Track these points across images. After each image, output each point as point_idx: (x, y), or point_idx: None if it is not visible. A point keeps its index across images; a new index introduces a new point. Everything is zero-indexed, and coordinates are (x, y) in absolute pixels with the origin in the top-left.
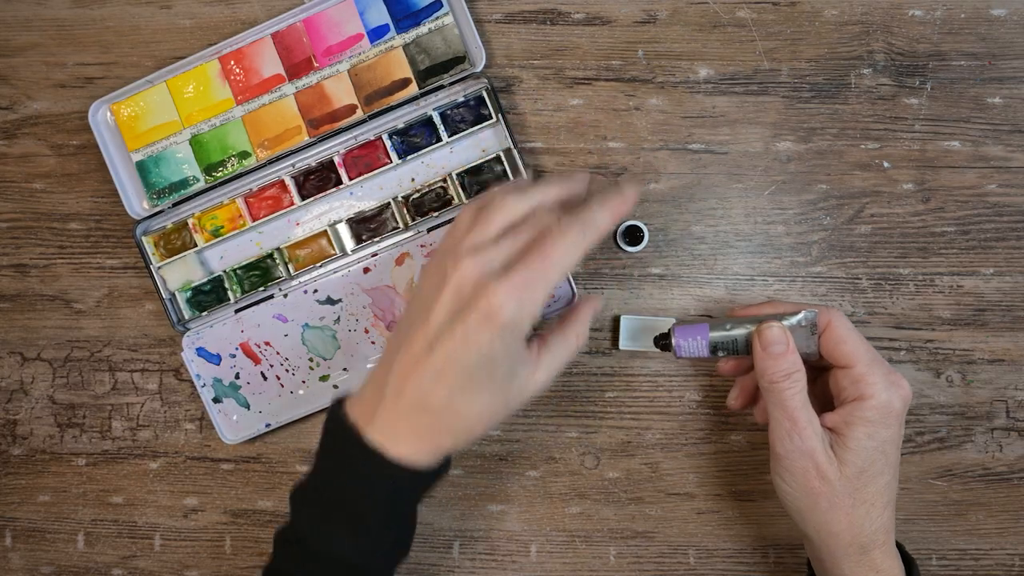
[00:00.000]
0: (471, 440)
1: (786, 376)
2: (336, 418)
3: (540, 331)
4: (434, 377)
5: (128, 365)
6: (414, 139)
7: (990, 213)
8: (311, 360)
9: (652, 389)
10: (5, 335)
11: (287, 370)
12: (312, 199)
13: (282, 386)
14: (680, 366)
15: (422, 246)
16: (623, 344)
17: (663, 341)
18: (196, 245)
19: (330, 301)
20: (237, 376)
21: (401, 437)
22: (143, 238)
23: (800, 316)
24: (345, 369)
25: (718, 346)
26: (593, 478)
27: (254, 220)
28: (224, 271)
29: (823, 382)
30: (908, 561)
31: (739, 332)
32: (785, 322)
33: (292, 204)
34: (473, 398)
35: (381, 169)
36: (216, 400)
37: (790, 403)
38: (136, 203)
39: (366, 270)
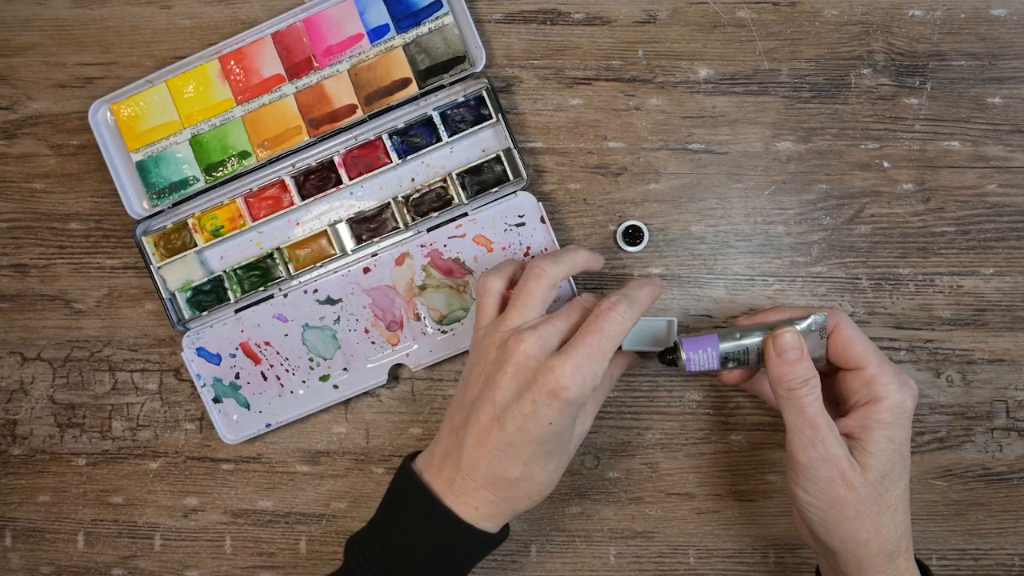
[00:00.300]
0: (543, 497)
1: (803, 383)
2: (411, 482)
3: None
4: (508, 451)
5: (128, 365)
6: (414, 139)
7: (990, 213)
8: (311, 360)
9: (652, 389)
10: (5, 335)
11: (287, 370)
12: (312, 199)
13: (282, 386)
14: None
15: (422, 246)
16: (626, 346)
17: (670, 356)
18: (196, 245)
19: (330, 301)
20: (237, 376)
21: (480, 506)
22: (143, 238)
23: (810, 320)
24: (345, 369)
25: (729, 357)
26: (593, 478)
27: (254, 220)
28: (224, 271)
29: (827, 387)
30: (922, 566)
31: (750, 341)
32: (796, 327)
33: (292, 204)
34: (546, 465)
35: (381, 169)
36: (216, 400)
37: (809, 410)
38: (136, 203)
39: (366, 270)
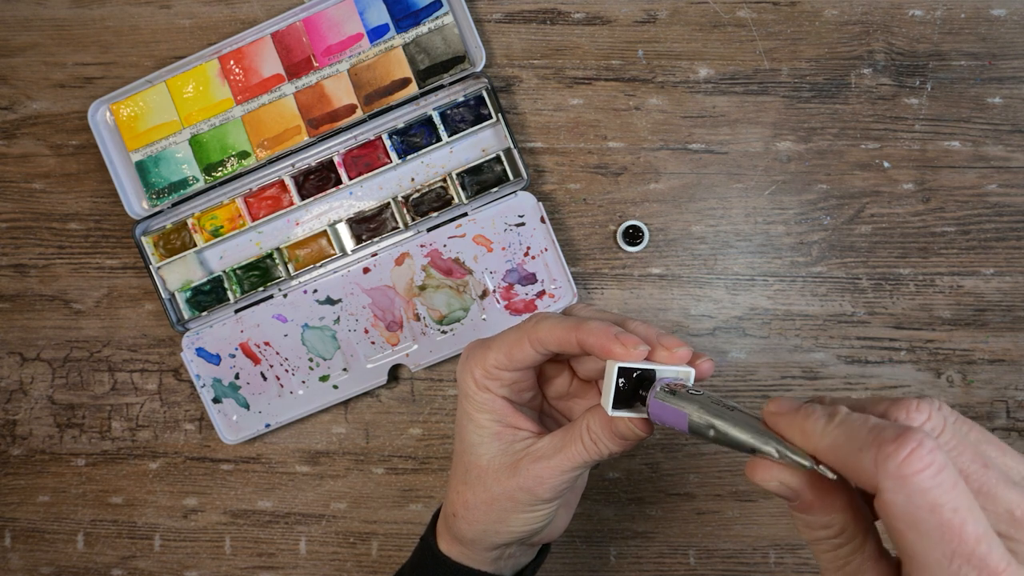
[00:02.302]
0: (461, 526)
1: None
2: (434, 519)
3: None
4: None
5: (128, 365)
6: (414, 139)
7: (990, 213)
8: (311, 360)
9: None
10: (4, 335)
11: (287, 370)
12: (312, 199)
13: (282, 386)
14: None
15: (422, 246)
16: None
17: (641, 392)
18: (196, 245)
19: (330, 301)
20: (237, 376)
21: (445, 533)
22: (142, 238)
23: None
24: (345, 369)
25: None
26: (593, 478)
27: (254, 220)
28: (224, 271)
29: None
30: None
31: (734, 436)
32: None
33: (292, 204)
34: (453, 468)
35: (381, 169)
36: (216, 400)
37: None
38: (136, 203)
39: (366, 270)
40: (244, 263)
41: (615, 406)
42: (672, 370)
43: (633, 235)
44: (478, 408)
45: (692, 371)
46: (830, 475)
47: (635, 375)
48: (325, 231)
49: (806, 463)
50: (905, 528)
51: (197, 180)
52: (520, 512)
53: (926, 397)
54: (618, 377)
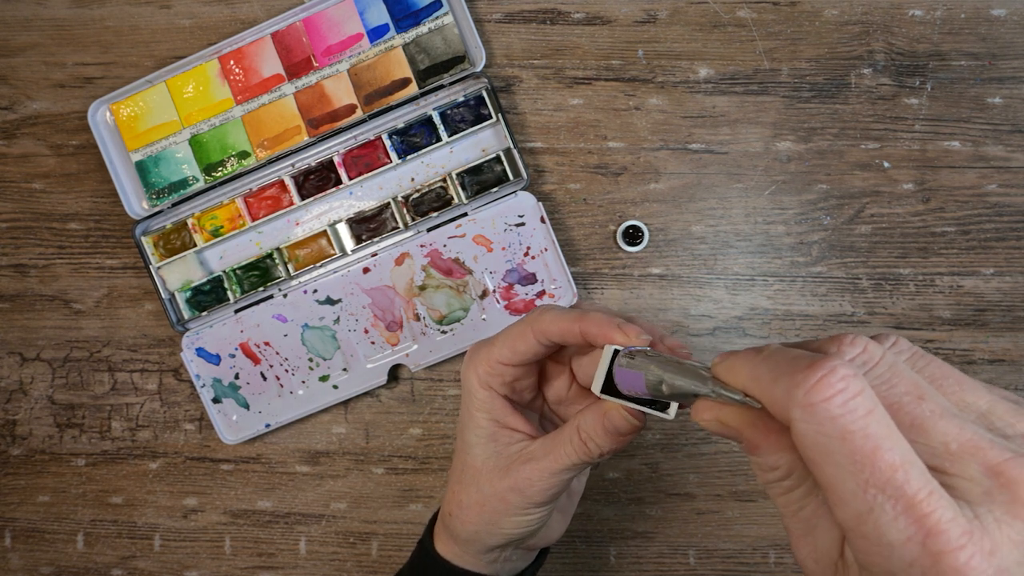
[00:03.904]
0: (456, 524)
1: None
2: (424, 537)
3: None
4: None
5: (127, 365)
6: (414, 139)
7: (990, 213)
8: (311, 360)
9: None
10: (4, 335)
11: (287, 370)
12: (312, 199)
13: (282, 386)
14: None
15: (422, 246)
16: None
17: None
18: (196, 245)
19: (330, 301)
20: (237, 376)
21: (441, 530)
22: (142, 238)
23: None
24: (345, 369)
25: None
26: (593, 478)
27: (254, 220)
28: (224, 271)
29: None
30: None
31: (683, 385)
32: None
33: (292, 204)
34: (452, 465)
35: (381, 169)
36: (216, 400)
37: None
38: (135, 203)
39: (366, 270)
40: (244, 263)
41: (604, 391)
42: None
43: (633, 235)
44: (478, 407)
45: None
46: (755, 404)
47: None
48: (325, 231)
49: (736, 397)
50: (818, 458)
51: (197, 180)
52: (511, 515)
53: (883, 333)
54: (611, 361)
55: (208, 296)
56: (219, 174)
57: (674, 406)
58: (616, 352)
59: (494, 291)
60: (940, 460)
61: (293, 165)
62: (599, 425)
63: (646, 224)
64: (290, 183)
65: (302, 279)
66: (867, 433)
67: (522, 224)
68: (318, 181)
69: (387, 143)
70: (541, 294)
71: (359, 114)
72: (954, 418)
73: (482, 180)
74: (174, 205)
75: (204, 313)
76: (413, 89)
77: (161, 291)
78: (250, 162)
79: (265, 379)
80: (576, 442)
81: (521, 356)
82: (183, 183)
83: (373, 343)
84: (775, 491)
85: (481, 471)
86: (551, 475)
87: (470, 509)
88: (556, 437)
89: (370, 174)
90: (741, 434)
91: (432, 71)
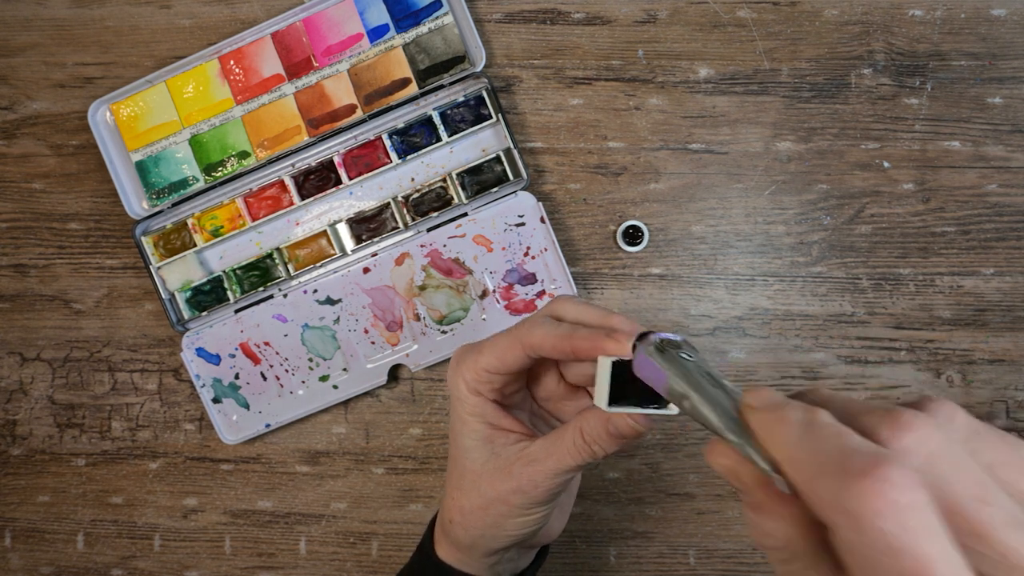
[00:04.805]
0: (457, 531)
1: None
2: (425, 538)
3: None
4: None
5: (127, 365)
6: (414, 139)
7: (990, 213)
8: (311, 360)
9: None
10: (5, 335)
11: (287, 370)
12: (312, 199)
13: (282, 386)
14: None
15: (422, 246)
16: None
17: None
18: (196, 245)
19: (330, 301)
20: (237, 376)
21: (441, 535)
22: (142, 238)
23: None
24: (345, 369)
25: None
26: (593, 478)
27: (254, 220)
28: (224, 271)
29: None
30: None
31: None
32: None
33: (292, 204)
34: (448, 473)
35: (381, 169)
36: (216, 400)
37: None
38: (136, 203)
39: (366, 270)
40: (244, 263)
41: (611, 403)
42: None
43: (633, 235)
44: (470, 412)
45: (684, 337)
46: (784, 489)
47: (615, 367)
48: (325, 231)
49: (765, 467)
50: (856, 568)
51: (197, 180)
52: (515, 516)
53: (932, 404)
54: (612, 373)
55: (208, 296)
56: (219, 174)
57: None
58: (617, 360)
59: (494, 291)
60: (998, 573)
61: (293, 165)
62: (603, 429)
63: (646, 224)
64: (290, 183)
65: (302, 279)
66: (919, 553)
67: (522, 224)
68: (318, 181)
69: (387, 143)
70: (541, 294)
71: (359, 114)
72: (1019, 529)
73: (482, 180)
74: (174, 205)
75: (204, 313)
76: (413, 89)
77: (161, 291)
78: (250, 162)
79: (265, 379)
80: (580, 443)
81: (508, 367)
82: (183, 183)
83: (373, 343)
84: (771, 556)
85: (481, 475)
86: (554, 476)
87: (472, 514)
88: (558, 438)
89: (370, 174)
90: (750, 492)
91: (432, 71)
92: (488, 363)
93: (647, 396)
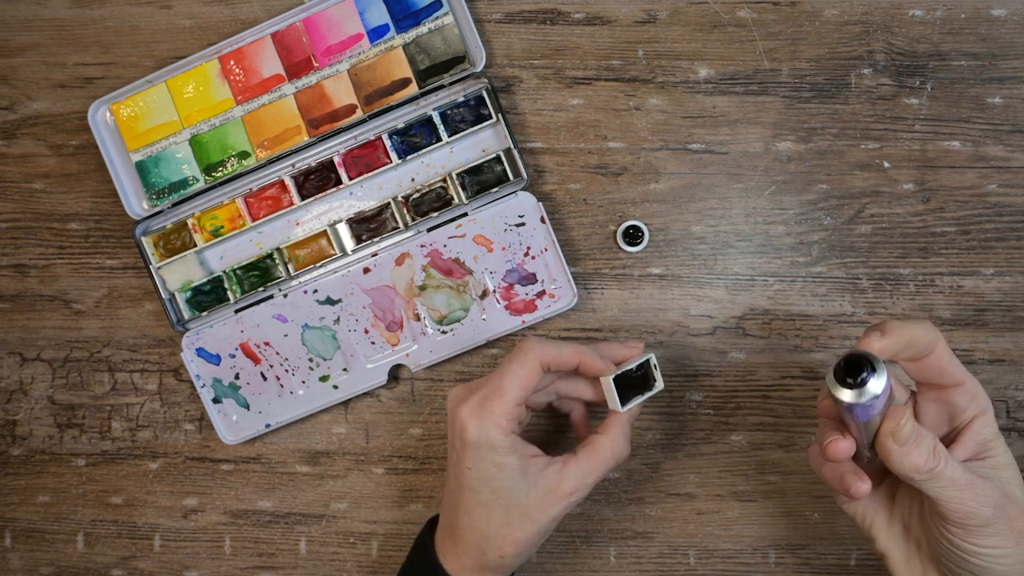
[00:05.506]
0: (505, 560)
1: (934, 455)
2: (422, 536)
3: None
4: (453, 503)
5: (128, 365)
6: (414, 139)
7: (990, 213)
8: (311, 360)
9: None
10: (4, 335)
11: (287, 370)
12: (312, 199)
13: (282, 386)
14: (680, 365)
15: (422, 246)
16: (623, 407)
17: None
18: (196, 245)
19: (330, 301)
20: (237, 376)
21: (451, 559)
22: (143, 238)
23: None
24: (345, 369)
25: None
26: None
27: (254, 220)
28: (224, 271)
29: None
30: None
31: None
32: (880, 385)
33: (292, 204)
34: (489, 517)
35: (381, 169)
36: (216, 400)
37: (955, 475)
38: (136, 203)
39: (366, 270)
40: (244, 263)
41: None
42: (638, 361)
43: (633, 235)
44: (504, 453)
45: (651, 355)
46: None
47: (621, 375)
48: (325, 231)
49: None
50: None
51: (197, 180)
52: (553, 528)
53: None
54: (615, 383)
55: (208, 296)
56: (219, 174)
57: (660, 380)
58: (615, 376)
59: (494, 291)
60: None
61: (293, 165)
62: (626, 422)
63: (646, 224)
64: (290, 183)
65: (302, 279)
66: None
67: (522, 224)
68: (318, 181)
69: (387, 143)
70: (541, 294)
71: (359, 114)
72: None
73: (482, 180)
74: (174, 205)
75: (204, 313)
76: (413, 89)
77: (161, 291)
78: (250, 162)
79: (265, 379)
80: (614, 455)
81: (532, 389)
82: (183, 183)
83: (373, 343)
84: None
85: (529, 505)
86: (598, 479)
87: (528, 542)
88: (596, 448)
89: (370, 174)
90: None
91: (432, 71)
92: (516, 396)
93: (637, 390)
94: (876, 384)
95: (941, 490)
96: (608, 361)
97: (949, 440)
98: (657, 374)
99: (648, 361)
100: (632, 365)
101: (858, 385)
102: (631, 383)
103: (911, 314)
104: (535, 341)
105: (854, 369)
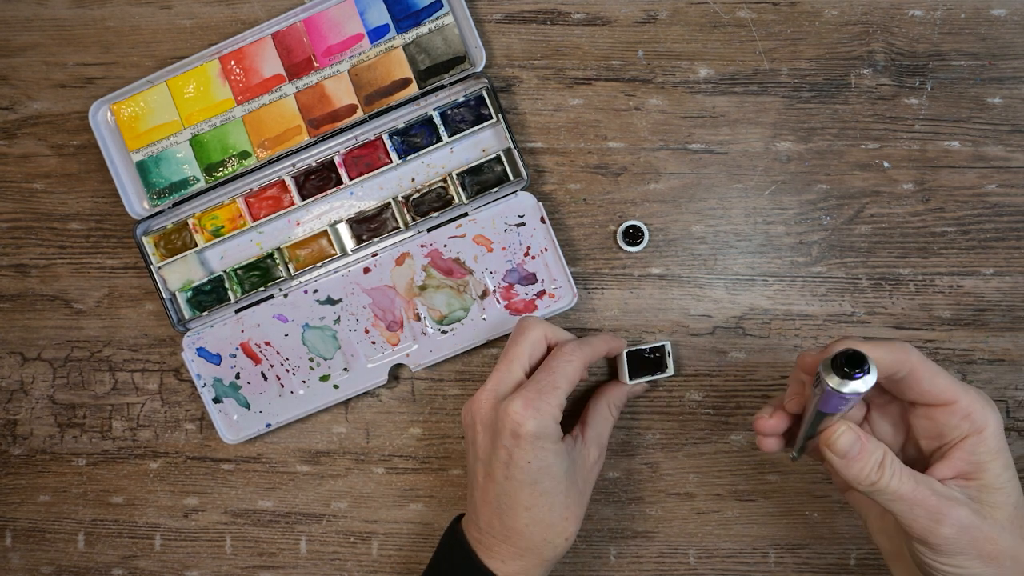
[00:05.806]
0: (570, 541)
1: (880, 467)
2: (455, 542)
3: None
4: (507, 502)
5: (128, 365)
6: (414, 139)
7: (990, 213)
8: (311, 360)
9: (652, 389)
10: (5, 335)
11: (287, 370)
12: (312, 199)
13: (282, 386)
14: (679, 365)
15: (422, 246)
16: (631, 380)
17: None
18: (196, 245)
19: (330, 301)
20: (237, 376)
21: (507, 560)
22: (143, 238)
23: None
24: (345, 369)
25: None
26: None
27: (254, 220)
28: (224, 271)
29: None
30: None
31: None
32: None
33: (292, 204)
34: (551, 505)
35: (381, 169)
36: (216, 400)
37: (906, 489)
38: (136, 203)
39: (366, 270)
40: (245, 263)
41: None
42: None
43: (633, 235)
44: (558, 441)
45: (667, 342)
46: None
47: (628, 355)
48: (326, 231)
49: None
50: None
51: (198, 180)
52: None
53: None
54: (628, 359)
55: (209, 296)
56: (220, 174)
57: (671, 366)
58: (629, 351)
59: (494, 291)
60: None
61: (294, 165)
62: (624, 394)
63: (646, 224)
64: (291, 183)
65: (303, 279)
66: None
67: (522, 224)
68: (319, 181)
69: (387, 143)
70: (541, 294)
71: (359, 114)
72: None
73: (482, 180)
74: (175, 205)
75: (205, 313)
76: (413, 89)
77: (162, 291)
78: (251, 162)
79: (266, 379)
80: (614, 411)
81: (575, 385)
82: (184, 183)
83: (374, 343)
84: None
85: (584, 489)
86: (606, 444)
87: (582, 516)
88: (598, 414)
89: (370, 174)
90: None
91: (432, 71)
92: (565, 391)
93: (646, 370)
94: (863, 384)
95: (890, 503)
96: (621, 339)
97: (938, 457)
98: (670, 361)
99: (663, 347)
100: (647, 346)
101: (851, 378)
102: (643, 363)
103: (911, 314)
104: (575, 345)
105: (854, 362)
